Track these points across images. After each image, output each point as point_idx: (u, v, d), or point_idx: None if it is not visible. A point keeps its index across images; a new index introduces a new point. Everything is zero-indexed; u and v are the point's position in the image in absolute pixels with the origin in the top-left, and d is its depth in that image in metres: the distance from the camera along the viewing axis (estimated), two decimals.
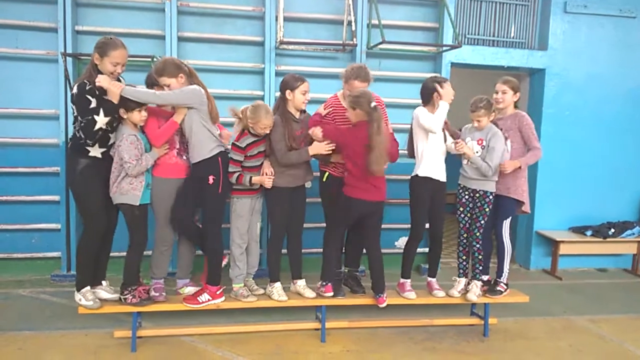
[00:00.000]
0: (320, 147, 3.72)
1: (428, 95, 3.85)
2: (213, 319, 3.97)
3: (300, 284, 3.97)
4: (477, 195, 3.94)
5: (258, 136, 3.70)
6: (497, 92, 4.06)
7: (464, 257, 4.11)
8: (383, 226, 4.02)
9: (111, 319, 3.86)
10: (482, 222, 3.95)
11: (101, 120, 3.27)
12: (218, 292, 3.70)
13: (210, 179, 3.50)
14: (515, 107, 4.13)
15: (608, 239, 5.71)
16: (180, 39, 4.94)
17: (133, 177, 3.42)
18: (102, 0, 4.85)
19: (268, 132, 3.68)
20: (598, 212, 5.96)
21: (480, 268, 4.03)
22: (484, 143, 3.88)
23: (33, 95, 4.80)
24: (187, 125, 3.51)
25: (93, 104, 3.27)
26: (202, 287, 3.72)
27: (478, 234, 3.97)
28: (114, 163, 3.43)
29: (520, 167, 3.95)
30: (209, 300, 3.66)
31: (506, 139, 3.95)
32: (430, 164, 3.89)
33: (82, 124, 3.26)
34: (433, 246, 4.17)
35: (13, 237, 4.94)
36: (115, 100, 3.27)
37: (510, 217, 4.04)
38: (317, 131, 3.72)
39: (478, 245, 3.99)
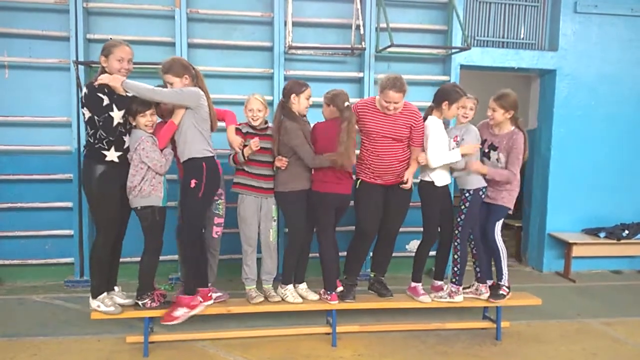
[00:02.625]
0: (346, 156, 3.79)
1: (439, 101, 3.86)
2: (224, 324, 3.98)
3: (302, 287, 4.00)
4: (459, 193, 3.98)
5: (253, 128, 3.82)
6: (488, 107, 3.92)
7: (473, 260, 4.09)
8: None
9: (123, 325, 3.89)
10: (459, 219, 3.94)
11: (117, 115, 3.32)
12: (192, 303, 3.57)
13: (192, 183, 3.46)
14: (514, 120, 3.91)
15: (622, 241, 5.65)
16: (190, 46, 4.99)
17: (161, 175, 3.49)
18: (113, 9, 4.91)
19: (254, 118, 3.78)
20: (611, 214, 5.90)
21: (456, 269, 3.98)
22: (458, 139, 3.89)
23: (46, 103, 4.87)
24: (179, 125, 3.49)
25: (106, 101, 3.31)
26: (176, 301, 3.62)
27: (456, 231, 3.97)
28: (134, 167, 3.45)
29: (486, 174, 3.87)
30: (185, 313, 3.55)
31: (493, 148, 3.94)
32: (441, 172, 3.93)
33: (101, 123, 3.30)
34: (441, 249, 4.16)
35: (27, 243, 5.00)
36: (120, 92, 3.30)
37: (501, 220, 4.00)
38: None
39: (455, 244, 3.98)
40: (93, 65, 4.78)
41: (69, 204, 4.91)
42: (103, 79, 3.29)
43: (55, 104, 4.87)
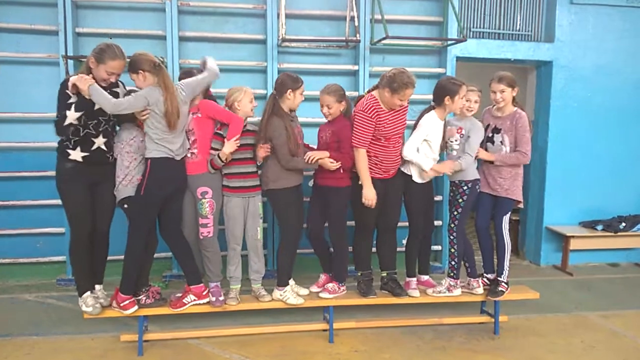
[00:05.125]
0: (328, 164, 3.72)
1: (440, 98, 3.77)
2: (219, 322, 3.94)
3: (291, 283, 3.95)
4: (454, 186, 3.94)
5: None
6: (494, 93, 3.87)
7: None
8: None
9: (117, 323, 3.85)
10: (455, 213, 3.91)
11: (71, 116, 3.21)
12: (124, 303, 3.49)
13: (139, 179, 3.44)
14: (515, 102, 3.92)
15: (619, 233, 5.64)
16: (182, 39, 4.92)
17: None
18: (102, 2, 4.83)
19: (252, 110, 3.70)
20: (608, 206, 5.88)
21: (453, 263, 3.96)
22: (463, 132, 3.85)
23: (35, 98, 4.79)
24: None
25: (72, 100, 3.23)
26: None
27: (452, 225, 3.94)
28: (128, 158, 3.46)
29: (493, 162, 3.86)
30: (118, 307, 3.51)
31: (497, 131, 3.91)
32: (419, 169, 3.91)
33: (56, 119, 3.24)
34: (423, 244, 4.15)
35: (18, 241, 4.94)
36: (85, 94, 3.17)
37: (509, 213, 3.97)
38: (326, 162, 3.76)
39: (452, 237, 3.94)
40: (82, 59, 4.67)
41: (60, 201, 4.81)
42: (71, 79, 3.19)
43: (45, 99, 4.76)
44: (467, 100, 3.82)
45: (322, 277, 4.12)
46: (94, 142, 3.39)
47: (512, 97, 3.87)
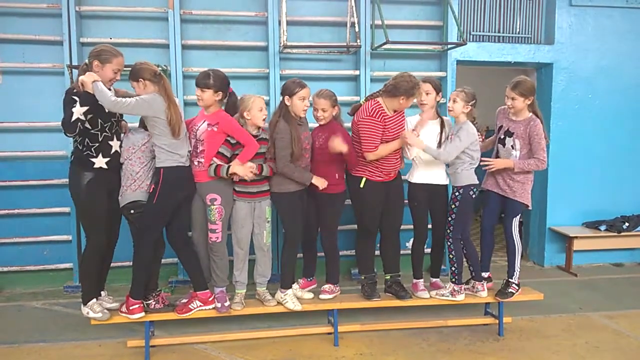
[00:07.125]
0: (322, 182, 3.76)
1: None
2: (225, 326, 3.96)
3: (294, 287, 3.98)
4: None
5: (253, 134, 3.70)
6: (507, 98, 3.86)
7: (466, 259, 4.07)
8: None
9: (124, 329, 3.87)
10: (449, 219, 3.89)
11: (77, 111, 3.25)
12: (132, 307, 3.52)
13: (151, 188, 3.46)
14: (531, 107, 3.88)
15: (623, 233, 5.64)
16: (184, 47, 4.96)
17: None
18: (106, 12, 4.88)
19: (264, 118, 3.68)
20: (611, 206, 5.88)
21: (454, 269, 3.94)
22: (454, 136, 3.85)
23: (40, 108, 4.83)
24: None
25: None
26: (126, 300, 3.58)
27: (448, 231, 3.93)
28: (139, 165, 3.48)
29: (513, 168, 3.82)
30: (126, 312, 3.53)
31: (509, 134, 3.91)
32: (425, 170, 3.93)
33: (63, 119, 3.28)
34: (434, 247, 4.17)
35: (25, 249, 4.97)
36: (87, 89, 3.22)
37: (519, 215, 3.98)
38: (337, 142, 3.68)
39: (448, 243, 3.94)
40: None
41: (66, 209, 4.87)
42: (81, 78, 3.26)
43: (50, 108, 4.82)
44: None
45: (302, 281, 4.15)
46: (111, 146, 3.45)
47: (524, 106, 3.83)
